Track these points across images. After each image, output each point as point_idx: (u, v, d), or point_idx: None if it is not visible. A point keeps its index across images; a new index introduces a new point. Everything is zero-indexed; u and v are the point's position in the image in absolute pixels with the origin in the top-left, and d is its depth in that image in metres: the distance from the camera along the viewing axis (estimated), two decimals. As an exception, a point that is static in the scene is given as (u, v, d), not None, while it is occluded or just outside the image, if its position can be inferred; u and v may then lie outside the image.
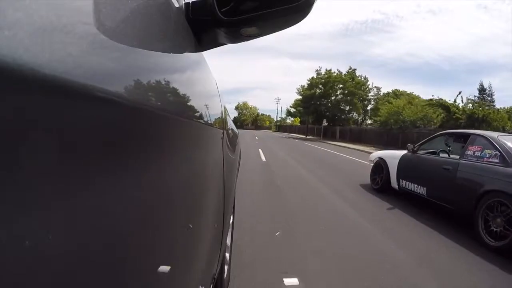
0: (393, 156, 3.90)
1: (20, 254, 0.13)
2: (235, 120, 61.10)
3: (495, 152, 2.54)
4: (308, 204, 3.28)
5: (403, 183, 3.55)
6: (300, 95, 31.10)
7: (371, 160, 4.41)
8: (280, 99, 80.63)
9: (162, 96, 0.32)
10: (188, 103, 0.44)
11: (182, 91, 0.41)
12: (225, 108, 1.16)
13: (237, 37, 0.54)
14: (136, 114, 0.25)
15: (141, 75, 0.27)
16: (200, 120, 0.52)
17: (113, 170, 0.22)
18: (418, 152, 3.54)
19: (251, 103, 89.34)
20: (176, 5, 0.45)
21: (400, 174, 3.64)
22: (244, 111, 71.97)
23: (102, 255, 0.20)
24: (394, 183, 3.75)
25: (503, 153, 2.47)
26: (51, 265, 0.15)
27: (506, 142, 2.57)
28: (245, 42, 0.58)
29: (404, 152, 3.75)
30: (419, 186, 3.24)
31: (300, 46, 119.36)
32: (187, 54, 0.48)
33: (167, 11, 0.39)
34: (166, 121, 0.33)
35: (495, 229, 2.22)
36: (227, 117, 1.23)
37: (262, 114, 74.91)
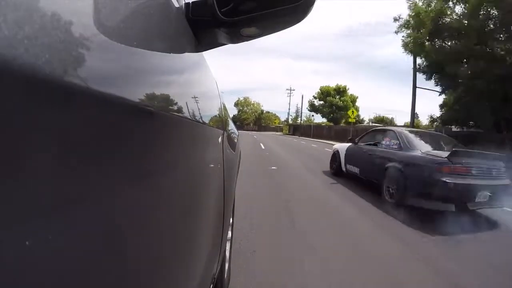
0: (343, 147, 5.17)
1: (20, 254, 0.13)
2: (234, 119, 50.57)
3: (397, 142, 3.66)
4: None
5: (348, 166, 4.81)
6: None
7: (335, 150, 5.60)
8: (293, 89, 54.45)
9: (162, 96, 0.32)
10: (188, 104, 0.44)
11: (182, 91, 0.41)
12: (225, 108, 1.16)
13: (237, 37, 0.54)
14: (136, 114, 0.25)
15: (140, 75, 0.27)
16: (200, 121, 0.52)
17: (112, 170, 0.21)
18: (359, 144, 4.65)
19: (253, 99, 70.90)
20: (176, 5, 0.45)
21: (346, 161, 4.90)
22: (245, 108, 57.90)
23: (101, 255, 0.20)
24: (343, 167, 5.02)
25: (401, 142, 3.57)
26: (51, 265, 0.15)
27: (407, 135, 3.69)
28: (246, 42, 0.58)
29: (350, 144, 5.00)
30: (355, 168, 4.51)
31: (302, 47, 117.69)
32: (187, 54, 0.48)
33: (167, 11, 0.39)
34: (166, 121, 0.33)
35: (391, 190, 3.36)
36: (227, 117, 1.23)
37: (268, 112, 58.98)
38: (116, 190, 0.22)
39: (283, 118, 53.98)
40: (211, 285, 0.73)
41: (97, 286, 0.20)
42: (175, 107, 0.37)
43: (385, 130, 4.31)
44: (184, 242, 0.43)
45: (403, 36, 11.00)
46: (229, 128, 1.20)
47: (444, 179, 2.76)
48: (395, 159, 3.46)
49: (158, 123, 0.31)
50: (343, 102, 35.04)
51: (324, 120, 37.54)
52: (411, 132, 3.98)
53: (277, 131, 45.19)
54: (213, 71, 0.91)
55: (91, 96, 0.18)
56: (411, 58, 11.90)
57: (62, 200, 0.16)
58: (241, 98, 58.67)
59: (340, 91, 36.17)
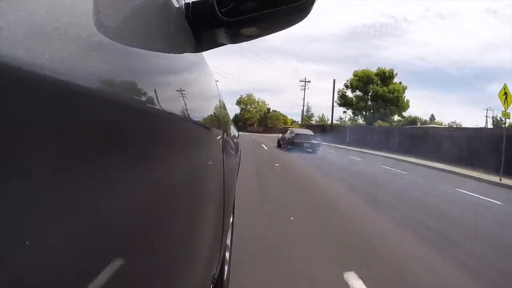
0: (280, 136, 15.98)
1: (20, 254, 0.13)
2: (236, 118, 49.20)
3: (289, 131, 14.82)
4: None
5: (281, 142, 14.98)
6: None
7: (278, 137, 16.28)
8: (309, 81, 37.90)
9: (161, 96, 0.32)
10: (188, 104, 0.44)
11: (181, 91, 0.41)
12: (225, 108, 1.16)
13: (237, 37, 0.54)
14: (135, 114, 0.25)
15: (140, 75, 0.27)
16: (199, 121, 0.52)
17: (112, 171, 0.22)
18: (284, 134, 15.13)
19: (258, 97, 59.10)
20: (176, 5, 0.45)
21: (280, 141, 15.22)
22: (249, 106, 49.70)
23: (101, 255, 0.20)
24: (281, 144, 14.98)
25: (293, 133, 13.88)
26: (51, 265, 0.15)
27: (294, 130, 14.72)
28: (247, 42, 0.58)
29: (282, 134, 15.90)
30: (284, 143, 14.31)
31: (307, 48, 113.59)
32: (187, 54, 0.48)
33: (167, 11, 0.39)
34: (166, 121, 0.33)
35: (287, 147, 13.74)
36: (227, 117, 1.23)
37: (274, 111, 50.19)
38: (114, 190, 0.22)
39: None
40: (211, 285, 0.73)
41: (97, 286, 0.20)
42: (175, 107, 0.37)
43: (288, 128, 16.90)
44: (184, 242, 0.43)
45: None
46: (229, 128, 1.21)
47: (293, 140, 13.00)
48: (288, 136, 13.60)
49: (158, 123, 0.31)
50: (392, 93, 22.95)
51: (349, 118, 26.89)
52: (296, 128, 17.82)
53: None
54: (214, 71, 0.91)
55: (90, 96, 0.18)
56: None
57: (61, 200, 0.16)
58: (244, 96, 50.54)
59: (386, 76, 23.62)
